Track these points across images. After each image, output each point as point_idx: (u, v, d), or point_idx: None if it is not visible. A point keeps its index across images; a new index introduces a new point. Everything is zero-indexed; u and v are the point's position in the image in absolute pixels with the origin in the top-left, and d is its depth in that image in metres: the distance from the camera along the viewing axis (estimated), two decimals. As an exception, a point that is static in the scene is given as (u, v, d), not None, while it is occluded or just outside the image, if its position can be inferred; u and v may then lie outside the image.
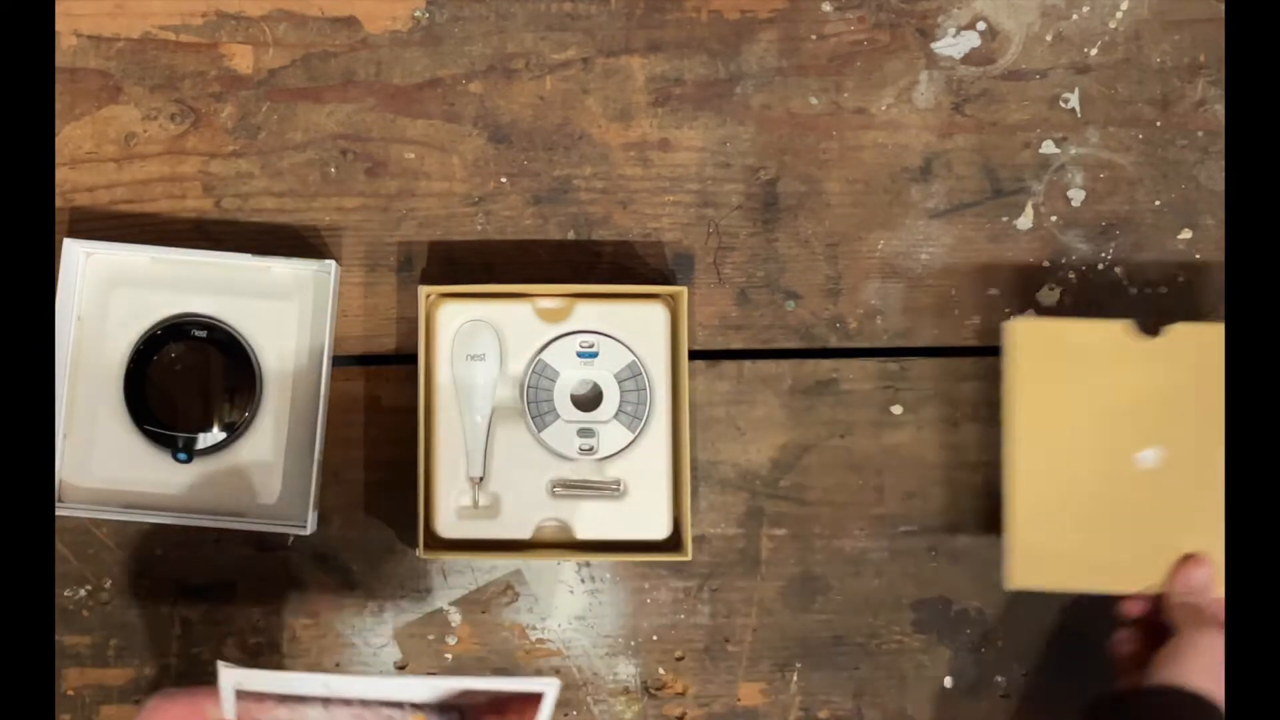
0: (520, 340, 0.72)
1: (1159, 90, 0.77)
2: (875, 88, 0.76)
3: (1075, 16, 0.77)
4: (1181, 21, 0.77)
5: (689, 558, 0.70)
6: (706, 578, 0.74)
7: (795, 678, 0.74)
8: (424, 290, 0.70)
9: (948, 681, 0.74)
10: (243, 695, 0.53)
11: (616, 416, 0.72)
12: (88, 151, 0.75)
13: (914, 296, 0.76)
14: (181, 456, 0.71)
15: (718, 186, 0.76)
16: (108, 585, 0.73)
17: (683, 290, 0.71)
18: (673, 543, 0.72)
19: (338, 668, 0.73)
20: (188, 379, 0.73)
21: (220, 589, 0.73)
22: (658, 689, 0.74)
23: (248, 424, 0.72)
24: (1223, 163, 0.76)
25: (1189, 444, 0.69)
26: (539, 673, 0.73)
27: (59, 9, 0.75)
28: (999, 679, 0.75)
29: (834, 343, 0.76)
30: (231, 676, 0.51)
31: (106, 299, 0.72)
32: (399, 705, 0.56)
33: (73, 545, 0.73)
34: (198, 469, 0.72)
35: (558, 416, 0.72)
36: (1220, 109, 0.77)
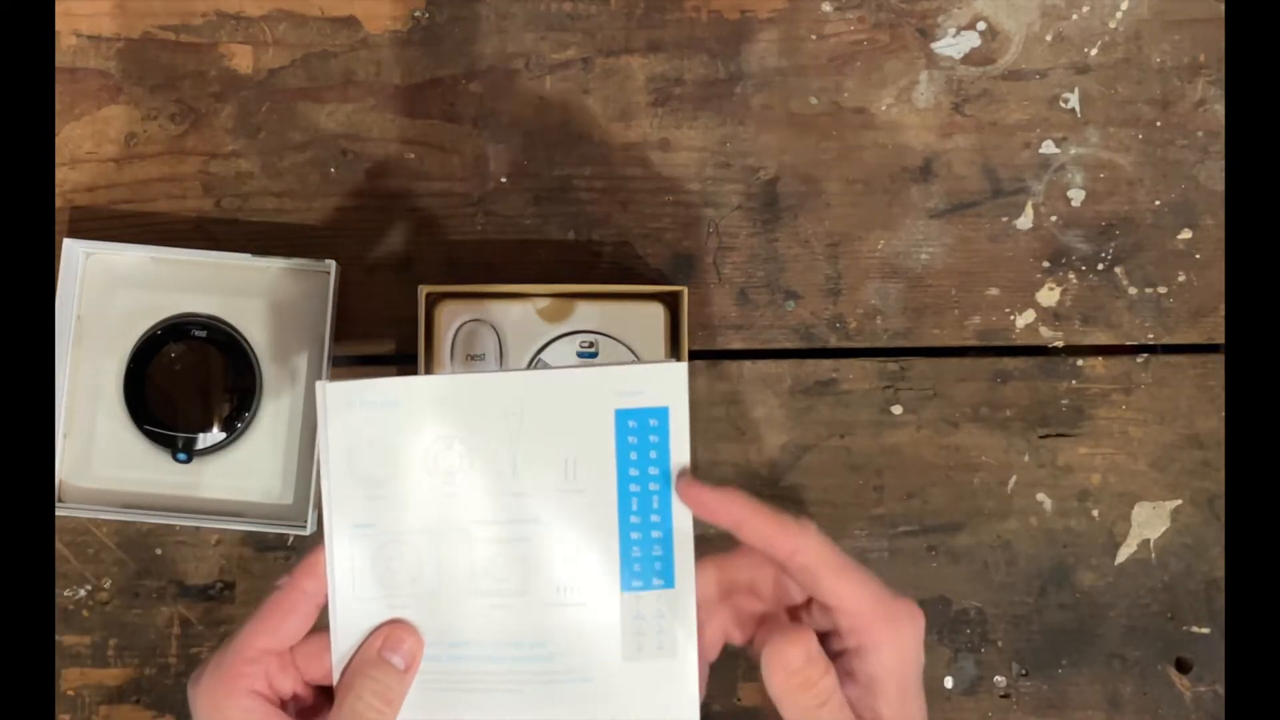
0: (520, 340, 0.72)
1: (1159, 90, 0.77)
2: (875, 88, 0.76)
3: (1075, 16, 0.77)
4: (1181, 21, 0.77)
5: (689, 558, 0.70)
6: (706, 578, 0.74)
7: (795, 678, 0.74)
8: (424, 290, 0.70)
9: (948, 681, 0.74)
10: None
11: (616, 416, 0.72)
12: (88, 151, 0.75)
13: (914, 296, 0.76)
14: (181, 456, 0.71)
15: (718, 186, 0.76)
16: (108, 585, 0.73)
17: (683, 290, 0.71)
18: (673, 543, 0.72)
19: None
20: (188, 379, 0.73)
21: (220, 589, 0.73)
22: (658, 689, 0.74)
23: (248, 424, 0.72)
24: (1223, 163, 0.76)
25: None
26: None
27: (59, 9, 0.74)
28: (999, 679, 0.75)
29: (834, 343, 0.76)
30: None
31: (106, 299, 0.72)
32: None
33: (73, 545, 0.73)
34: (198, 469, 0.72)
35: (558, 416, 0.72)
36: (1220, 109, 0.77)
